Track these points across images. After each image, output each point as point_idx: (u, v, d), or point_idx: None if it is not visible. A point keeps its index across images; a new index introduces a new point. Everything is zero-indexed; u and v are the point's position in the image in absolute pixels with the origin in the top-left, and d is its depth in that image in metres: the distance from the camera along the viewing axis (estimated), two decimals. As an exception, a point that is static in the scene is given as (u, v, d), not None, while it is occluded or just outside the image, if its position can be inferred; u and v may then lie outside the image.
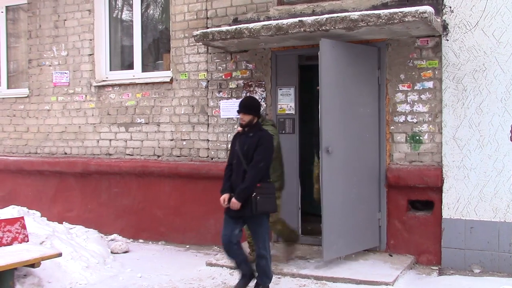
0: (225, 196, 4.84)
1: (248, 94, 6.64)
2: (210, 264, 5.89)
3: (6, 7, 8.71)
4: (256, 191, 4.64)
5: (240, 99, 5.11)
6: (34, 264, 4.98)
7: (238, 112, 4.89)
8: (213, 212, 6.80)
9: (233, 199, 4.70)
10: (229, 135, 6.81)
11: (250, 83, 6.70)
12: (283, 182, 5.71)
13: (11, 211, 6.19)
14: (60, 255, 5.27)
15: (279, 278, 5.36)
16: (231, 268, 5.66)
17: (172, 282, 5.37)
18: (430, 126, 5.81)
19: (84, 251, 5.97)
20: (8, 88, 8.75)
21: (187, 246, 6.91)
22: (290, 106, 6.47)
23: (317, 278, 5.28)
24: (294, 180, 6.30)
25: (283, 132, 6.47)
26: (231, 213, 4.79)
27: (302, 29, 5.59)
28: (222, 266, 5.77)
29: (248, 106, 4.84)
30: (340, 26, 5.41)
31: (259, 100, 6.34)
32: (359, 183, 5.84)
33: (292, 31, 5.65)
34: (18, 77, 8.83)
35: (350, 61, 5.75)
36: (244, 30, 5.90)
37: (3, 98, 8.62)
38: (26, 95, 8.36)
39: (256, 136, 4.76)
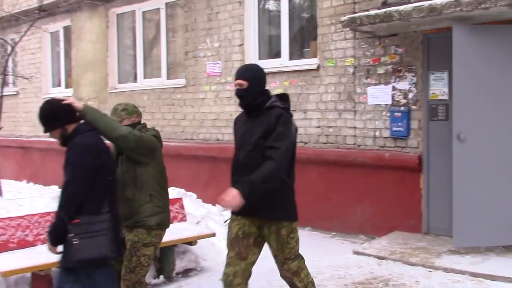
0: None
1: (397, 80, 6.41)
2: (357, 253, 5.83)
3: (166, 3, 9.41)
4: (73, 230, 3.15)
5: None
6: (191, 242, 5.39)
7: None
8: (359, 200, 6.74)
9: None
10: (376, 122, 6.65)
11: (399, 68, 6.45)
12: (165, 213, 3.95)
13: (171, 192, 6.71)
14: (214, 235, 5.62)
15: (430, 271, 5.13)
16: (378, 258, 5.57)
17: (319, 268, 5.42)
18: None
19: (235, 233, 6.29)
20: (167, 79, 9.49)
21: (333, 233, 6.92)
22: (444, 92, 6.11)
23: (473, 274, 4.93)
24: (448, 169, 5.97)
25: (435, 119, 6.17)
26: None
27: (458, 8, 5.22)
28: (369, 255, 5.68)
29: (44, 122, 3.37)
30: (502, 2, 4.95)
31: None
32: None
33: (447, 11, 5.30)
34: (175, 68, 9.52)
35: (499, 43, 5.39)
36: (394, 13, 5.68)
37: (163, 88, 9.36)
38: (183, 85, 8.98)
39: (67, 149, 3.31)
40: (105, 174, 3.33)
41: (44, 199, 6.19)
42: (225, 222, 3.25)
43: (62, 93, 11.43)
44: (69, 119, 3.36)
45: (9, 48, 9.19)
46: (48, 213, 4.90)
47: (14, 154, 12.24)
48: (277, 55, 7.93)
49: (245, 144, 3.55)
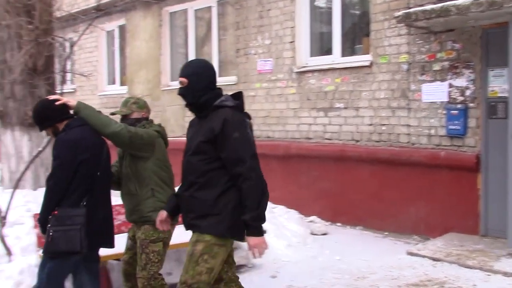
0: None
1: (453, 76, 6.22)
2: (410, 254, 5.71)
3: (217, 1, 9.49)
4: (51, 221, 3.32)
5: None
6: (243, 239, 5.41)
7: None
8: (413, 199, 6.60)
9: None
10: (431, 120, 6.48)
11: (456, 65, 6.25)
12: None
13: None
14: (265, 232, 5.61)
15: (488, 275, 4.96)
16: (433, 259, 5.44)
17: (371, 268, 5.35)
18: None
19: (286, 230, 6.29)
20: (219, 76, 9.52)
21: (386, 233, 6.79)
22: (504, 89, 5.88)
23: (535, 279, 4.75)
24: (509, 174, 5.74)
25: (494, 117, 5.95)
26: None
27: (520, 1, 5.02)
28: (423, 256, 5.55)
29: (36, 121, 3.58)
30: None
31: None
32: None
33: (508, 5, 5.09)
34: (226, 66, 9.59)
35: None
36: (451, 7, 5.51)
37: (214, 85, 9.43)
38: (234, 82, 9.03)
39: (53, 144, 3.51)
40: (90, 168, 3.43)
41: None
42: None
43: (117, 90, 11.77)
44: (59, 118, 3.52)
45: (68, 47, 9.51)
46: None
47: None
48: (329, 52, 7.85)
49: (189, 149, 3.23)
